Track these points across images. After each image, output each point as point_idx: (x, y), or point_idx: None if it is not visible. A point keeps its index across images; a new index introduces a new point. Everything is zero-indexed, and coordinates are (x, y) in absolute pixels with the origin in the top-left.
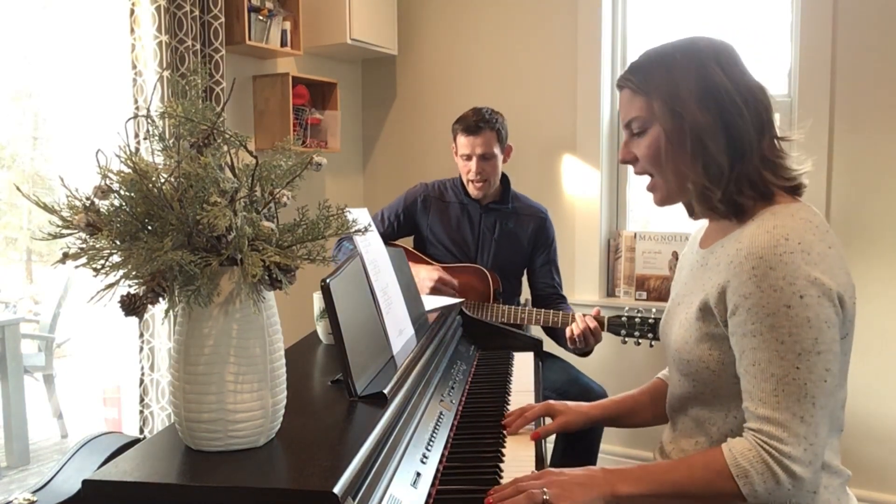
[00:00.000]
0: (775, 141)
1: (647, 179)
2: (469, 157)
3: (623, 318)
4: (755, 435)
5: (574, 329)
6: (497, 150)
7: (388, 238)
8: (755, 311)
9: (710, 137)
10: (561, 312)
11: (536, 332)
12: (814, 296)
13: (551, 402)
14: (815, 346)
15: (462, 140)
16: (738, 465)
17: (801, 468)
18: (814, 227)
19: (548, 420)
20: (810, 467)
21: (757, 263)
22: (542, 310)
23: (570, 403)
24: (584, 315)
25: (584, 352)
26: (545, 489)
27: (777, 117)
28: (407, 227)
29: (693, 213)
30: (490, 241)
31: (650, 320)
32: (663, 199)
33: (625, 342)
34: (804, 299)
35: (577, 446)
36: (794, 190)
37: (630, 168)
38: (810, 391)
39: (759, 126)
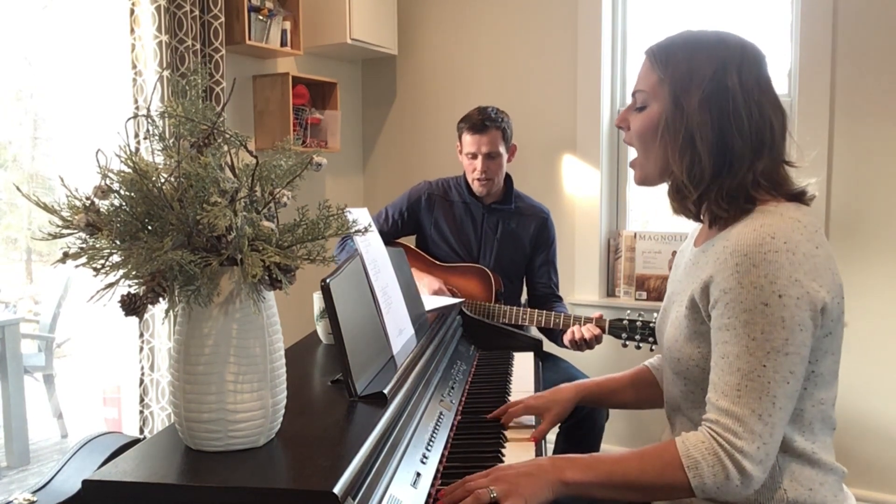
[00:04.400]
0: (780, 165)
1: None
2: (475, 156)
3: (624, 322)
4: (711, 427)
5: (575, 333)
6: (502, 149)
7: (392, 236)
8: (732, 306)
9: (702, 139)
10: (562, 315)
11: (536, 332)
12: (792, 297)
13: (529, 403)
14: (785, 347)
15: (468, 138)
16: (689, 457)
17: (751, 465)
18: (802, 227)
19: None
20: (760, 466)
21: (741, 260)
22: (544, 311)
23: (545, 394)
24: (587, 324)
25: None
26: (492, 487)
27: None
28: (410, 224)
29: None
30: (493, 240)
31: (651, 324)
32: (641, 179)
33: (625, 345)
34: (782, 299)
35: (578, 447)
36: (794, 199)
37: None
38: (772, 390)
39: (758, 145)
